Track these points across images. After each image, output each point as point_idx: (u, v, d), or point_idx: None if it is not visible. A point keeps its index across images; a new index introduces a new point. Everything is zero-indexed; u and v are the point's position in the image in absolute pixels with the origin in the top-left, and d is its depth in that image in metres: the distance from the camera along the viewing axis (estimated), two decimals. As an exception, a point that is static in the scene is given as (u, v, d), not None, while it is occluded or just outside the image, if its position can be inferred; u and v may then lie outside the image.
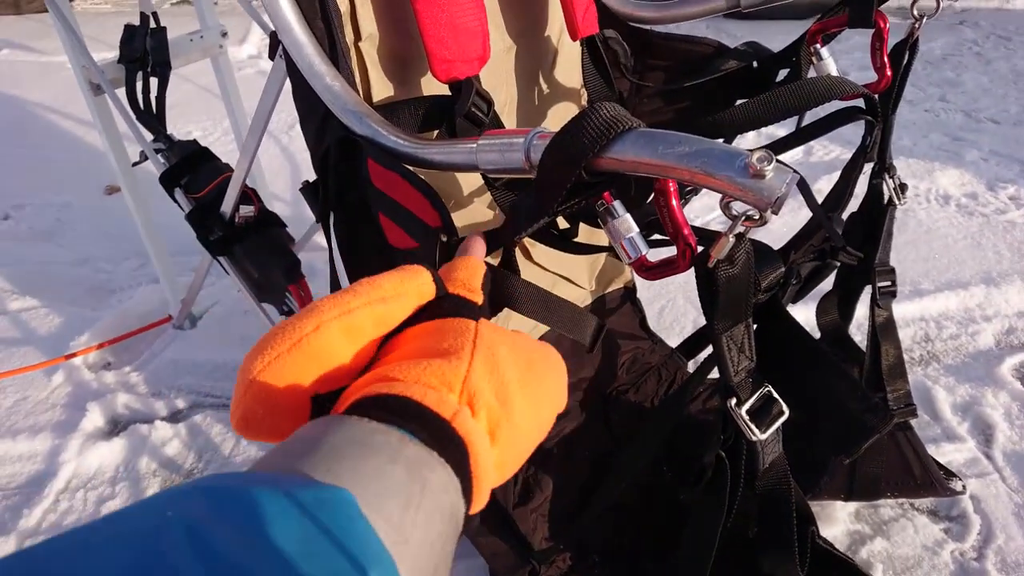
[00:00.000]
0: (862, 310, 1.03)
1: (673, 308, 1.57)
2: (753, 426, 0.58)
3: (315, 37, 0.69)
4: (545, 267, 1.06)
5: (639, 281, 1.29)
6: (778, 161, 0.43)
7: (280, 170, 2.25)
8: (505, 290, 0.48)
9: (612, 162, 0.46)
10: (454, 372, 0.36)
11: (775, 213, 0.43)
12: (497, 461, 0.37)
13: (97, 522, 0.25)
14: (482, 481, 0.34)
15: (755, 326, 0.58)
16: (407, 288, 0.40)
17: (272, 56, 0.78)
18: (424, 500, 0.30)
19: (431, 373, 0.36)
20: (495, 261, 0.50)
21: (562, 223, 0.73)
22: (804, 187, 0.68)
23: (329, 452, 0.30)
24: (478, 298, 0.44)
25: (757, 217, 0.45)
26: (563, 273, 1.11)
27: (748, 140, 2.14)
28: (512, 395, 0.38)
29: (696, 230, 0.53)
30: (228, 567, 0.23)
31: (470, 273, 0.45)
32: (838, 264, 0.85)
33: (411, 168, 0.62)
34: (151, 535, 0.23)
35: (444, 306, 0.42)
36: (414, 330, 0.40)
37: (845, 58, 2.80)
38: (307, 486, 0.28)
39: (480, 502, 0.35)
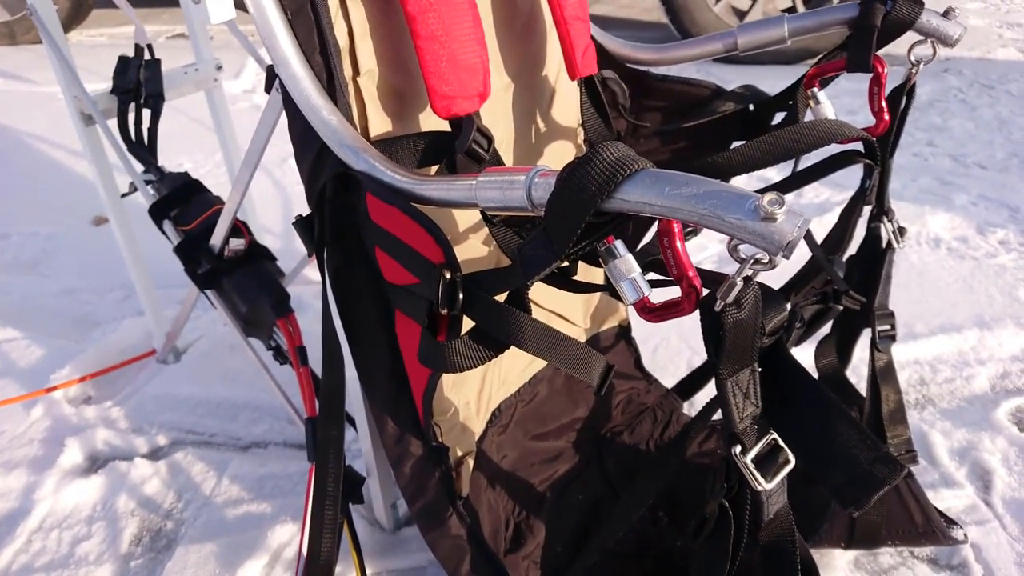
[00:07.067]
0: (858, 353, 1.02)
1: (667, 347, 1.55)
2: (759, 475, 0.56)
3: (313, 71, 0.68)
4: (539, 304, 1.05)
5: (633, 320, 1.27)
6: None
7: (272, 203, 2.23)
8: (512, 328, 0.47)
9: (620, 203, 0.45)
10: None
11: (786, 257, 0.42)
12: None
13: None
14: None
15: (759, 370, 0.57)
16: None
17: (268, 89, 0.77)
18: None
19: None
20: (502, 299, 0.49)
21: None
22: (806, 231, 0.67)
23: None
24: None
25: (766, 260, 0.44)
26: (557, 310, 1.10)
27: (738, 183, 2.14)
28: None
29: (700, 272, 0.52)
30: None
31: None
32: (841, 308, 0.85)
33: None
34: None
35: None
36: None
37: (833, 103, 2.83)
38: None
39: None
